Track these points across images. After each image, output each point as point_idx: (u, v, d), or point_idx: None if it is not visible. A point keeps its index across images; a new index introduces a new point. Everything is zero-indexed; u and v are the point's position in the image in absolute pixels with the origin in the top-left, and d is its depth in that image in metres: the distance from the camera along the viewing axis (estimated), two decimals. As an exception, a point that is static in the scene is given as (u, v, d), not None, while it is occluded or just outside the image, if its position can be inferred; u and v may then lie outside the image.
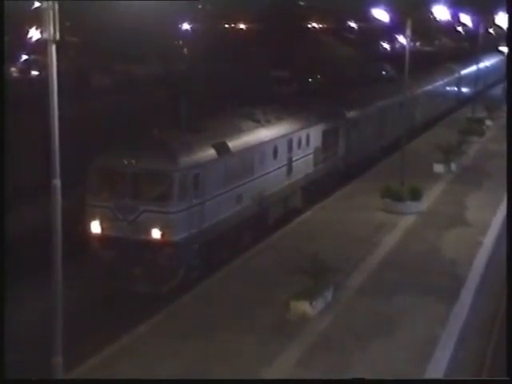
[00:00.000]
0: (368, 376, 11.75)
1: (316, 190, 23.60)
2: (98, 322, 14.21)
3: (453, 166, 28.07)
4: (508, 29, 43.88)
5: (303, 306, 14.19)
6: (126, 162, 15.62)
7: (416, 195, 22.30)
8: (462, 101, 47.56)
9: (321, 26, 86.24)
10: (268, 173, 19.90)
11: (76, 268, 14.73)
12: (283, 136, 20.91)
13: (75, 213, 14.84)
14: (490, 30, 79.54)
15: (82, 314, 14.03)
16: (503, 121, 35.14)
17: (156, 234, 15.34)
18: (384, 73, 57.55)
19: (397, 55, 54.29)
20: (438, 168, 27.71)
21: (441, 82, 42.86)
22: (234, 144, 18.11)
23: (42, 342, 10.80)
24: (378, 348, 13.02)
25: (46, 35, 9.87)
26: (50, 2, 9.63)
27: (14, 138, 22.85)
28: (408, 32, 23.35)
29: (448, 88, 45.34)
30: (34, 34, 49.94)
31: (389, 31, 76.18)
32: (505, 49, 56.73)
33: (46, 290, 10.68)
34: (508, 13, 42.94)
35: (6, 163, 10.95)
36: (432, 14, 78.50)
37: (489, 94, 50.62)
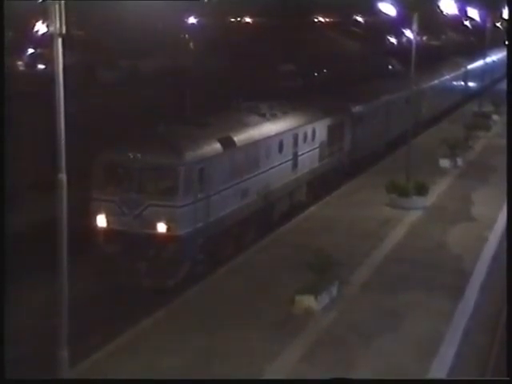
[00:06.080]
0: (372, 371, 11.77)
1: (321, 184, 23.57)
2: (100, 317, 14.21)
3: (459, 161, 27.99)
4: (508, 26, 43.74)
5: (308, 301, 14.19)
6: (131, 157, 15.63)
7: (422, 190, 22.24)
8: (468, 95, 47.37)
9: (327, 20, 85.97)
10: (273, 167, 19.88)
11: (80, 262, 14.75)
12: (289, 130, 20.87)
13: (80, 207, 14.83)
14: (498, 25, 79.10)
15: (86, 309, 14.03)
16: (510, 116, 34.96)
17: (161, 228, 15.35)
18: (390, 67, 57.38)
19: (403, 49, 54.09)
20: (444, 163, 27.65)
21: (447, 77, 42.69)
22: (239, 138, 18.09)
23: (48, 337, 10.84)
24: (382, 343, 13.01)
25: (52, 29, 9.88)
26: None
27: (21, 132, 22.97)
28: (415, 26, 23.25)
29: (455, 82, 45.16)
30: (41, 27, 49.95)
31: (395, 25, 75.86)
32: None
33: (50, 284, 10.71)
34: (509, 9, 42.82)
35: (5, 162, 10.95)
36: (439, 8, 78.12)
37: (496, 89, 50.41)
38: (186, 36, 63.60)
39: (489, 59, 50.29)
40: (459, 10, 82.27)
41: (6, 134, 10.85)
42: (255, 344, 12.79)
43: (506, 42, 51.21)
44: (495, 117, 38.91)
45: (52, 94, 9.98)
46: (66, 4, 9.82)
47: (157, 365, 11.86)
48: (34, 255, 15.67)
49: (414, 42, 23.42)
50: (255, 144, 18.81)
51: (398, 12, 69.50)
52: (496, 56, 56.37)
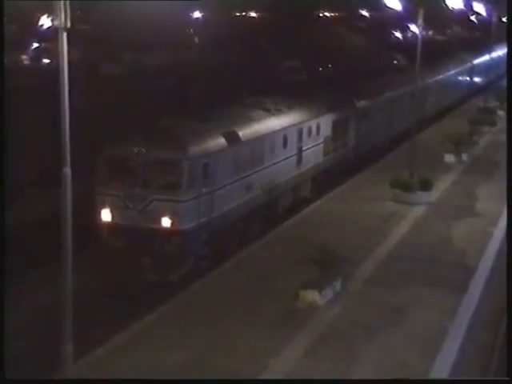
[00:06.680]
0: (375, 366, 11.78)
1: (326, 179, 23.56)
2: (104, 311, 14.24)
3: (464, 157, 27.94)
4: (508, 22, 43.51)
5: (313, 295, 14.21)
6: (135, 151, 15.64)
7: (426, 185, 22.21)
8: (474, 90, 47.23)
9: (332, 14, 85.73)
10: (278, 162, 19.87)
11: (84, 257, 14.78)
12: (293, 125, 20.86)
13: (84, 201, 14.86)
14: (503, 19, 78.77)
15: (89, 304, 14.05)
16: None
17: (165, 222, 15.37)
18: (395, 62, 57.24)
19: (408, 44, 53.94)
20: (449, 158, 27.62)
21: (452, 72, 42.57)
22: (243, 133, 18.08)
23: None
24: (385, 338, 13.02)
25: (56, 23, 9.89)
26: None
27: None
28: (420, 21, 23.18)
29: (460, 78, 45.03)
30: (46, 21, 50.00)
31: (400, 20, 75.66)
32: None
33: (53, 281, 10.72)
34: (508, 6, 42.62)
35: (6, 160, 10.98)
36: (445, 2, 77.88)
37: (501, 84, 50.22)
38: (191, 31, 63.54)
39: (494, 54, 50.10)
40: (465, 5, 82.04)
41: (9, 130, 10.87)
42: (259, 339, 12.80)
43: (506, 42, 51.04)
44: (500, 112, 38.77)
45: (57, 88, 9.99)
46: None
47: (159, 361, 11.86)
48: (37, 251, 15.70)
49: (419, 36, 23.35)
50: (260, 139, 18.79)
51: (403, 7, 69.34)
52: (502, 51, 56.13)
